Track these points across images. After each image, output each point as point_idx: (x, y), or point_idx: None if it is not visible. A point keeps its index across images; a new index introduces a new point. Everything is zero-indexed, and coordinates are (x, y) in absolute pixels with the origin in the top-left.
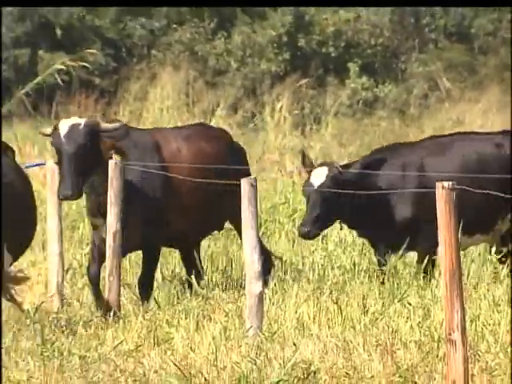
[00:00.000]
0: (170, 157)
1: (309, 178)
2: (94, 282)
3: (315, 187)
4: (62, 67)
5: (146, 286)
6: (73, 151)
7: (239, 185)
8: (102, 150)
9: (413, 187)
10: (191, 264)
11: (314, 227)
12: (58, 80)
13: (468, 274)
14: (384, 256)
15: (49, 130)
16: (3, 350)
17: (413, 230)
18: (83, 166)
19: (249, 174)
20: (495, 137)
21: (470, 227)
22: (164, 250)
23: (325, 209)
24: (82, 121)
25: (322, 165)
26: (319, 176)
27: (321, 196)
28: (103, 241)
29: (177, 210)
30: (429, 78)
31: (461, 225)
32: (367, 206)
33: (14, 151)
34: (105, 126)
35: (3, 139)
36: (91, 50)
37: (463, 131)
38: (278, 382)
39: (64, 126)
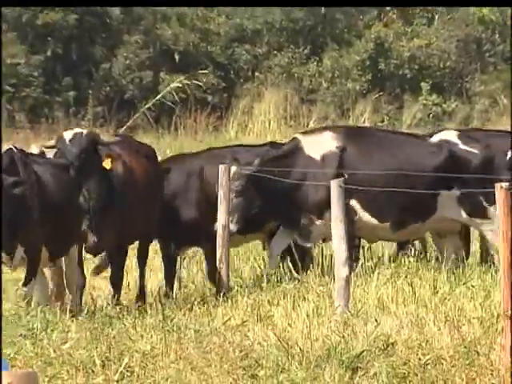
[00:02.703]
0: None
1: None
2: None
3: None
4: (179, 85)
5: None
6: (76, 154)
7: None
8: (99, 160)
9: (195, 192)
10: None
11: None
12: (176, 98)
13: None
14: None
15: (51, 143)
16: (130, 326)
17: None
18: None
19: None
20: (266, 147)
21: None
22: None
23: None
24: (84, 131)
25: None
26: None
27: None
28: None
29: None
30: (489, 96)
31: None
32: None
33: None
34: (103, 138)
35: None
36: (203, 71)
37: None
38: (361, 352)
39: (68, 133)
